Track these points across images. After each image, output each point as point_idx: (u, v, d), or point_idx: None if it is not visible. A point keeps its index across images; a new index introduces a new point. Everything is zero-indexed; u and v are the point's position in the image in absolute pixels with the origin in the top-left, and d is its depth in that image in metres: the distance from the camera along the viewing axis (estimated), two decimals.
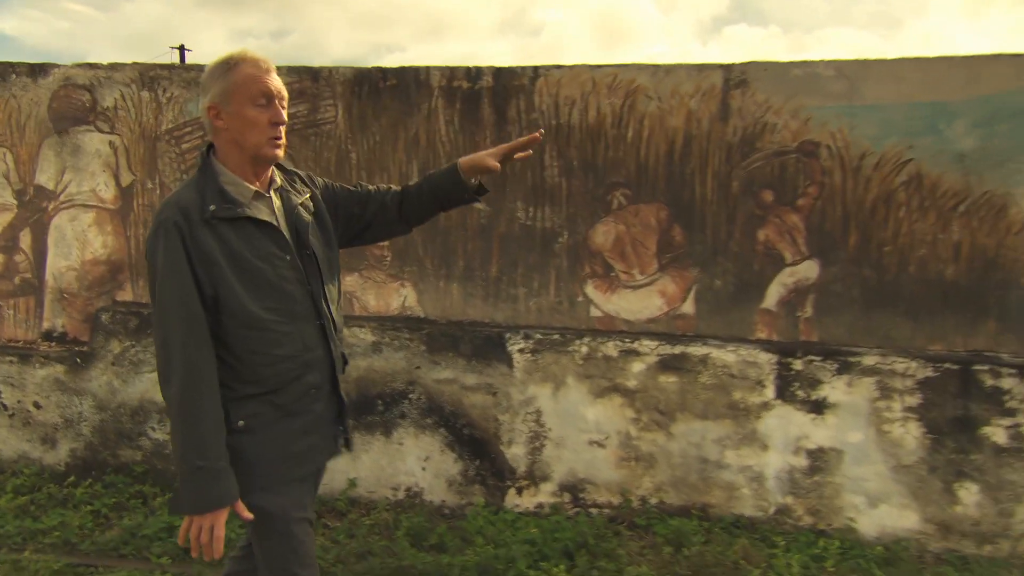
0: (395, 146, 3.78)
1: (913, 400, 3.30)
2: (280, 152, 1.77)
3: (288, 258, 1.76)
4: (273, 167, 1.82)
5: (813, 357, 3.39)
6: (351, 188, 2.04)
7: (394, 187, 2.08)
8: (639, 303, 3.70)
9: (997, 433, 3.22)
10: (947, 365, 3.28)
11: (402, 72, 3.73)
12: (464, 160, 1.98)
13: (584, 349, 3.56)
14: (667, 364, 3.51)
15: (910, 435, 3.30)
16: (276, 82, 1.74)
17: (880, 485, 3.33)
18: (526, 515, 3.51)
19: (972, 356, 3.34)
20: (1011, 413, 3.20)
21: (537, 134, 1.98)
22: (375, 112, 3.79)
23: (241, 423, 1.70)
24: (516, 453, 3.61)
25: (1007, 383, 3.21)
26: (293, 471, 1.77)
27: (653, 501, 3.52)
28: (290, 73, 3.77)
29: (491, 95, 3.70)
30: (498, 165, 1.97)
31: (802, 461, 3.40)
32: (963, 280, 3.42)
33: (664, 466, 3.52)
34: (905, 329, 3.49)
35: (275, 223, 1.76)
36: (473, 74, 3.69)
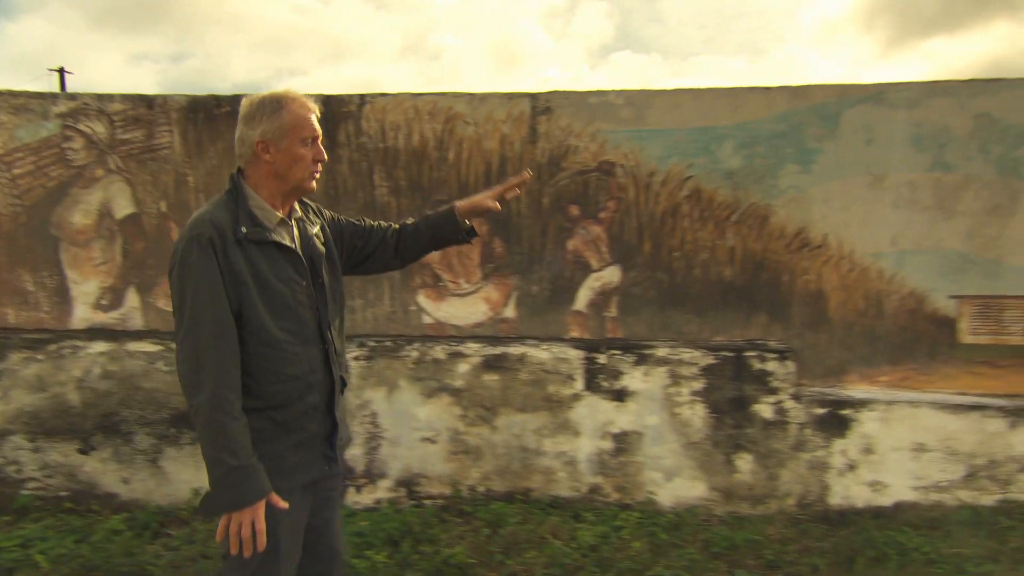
0: (232, 170, 3.97)
1: (698, 385, 3.80)
2: (315, 185, 1.90)
3: (304, 284, 1.87)
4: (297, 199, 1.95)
5: (615, 351, 3.84)
6: (355, 222, 2.18)
7: (393, 224, 2.23)
8: (466, 309, 4.05)
9: (765, 409, 3.76)
10: (724, 353, 3.80)
11: (235, 99, 3.93)
12: (462, 204, 2.18)
13: (415, 353, 3.87)
14: (490, 364, 3.86)
15: (696, 416, 3.80)
16: (317, 122, 1.88)
17: (674, 461, 3.81)
18: (366, 511, 3.77)
19: (745, 344, 3.89)
20: (775, 391, 3.75)
21: (526, 174, 2.24)
22: (211, 137, 3.97)
23: None
24: (355, 454, 3.86)
25: (771, 366, 3.76)
26: (281, 483, 1.80)
27: (481, 489, 3.86)
28: (125, 100, 3.89)
29: (322, 121, 3.95)
30: (499, 206, 2.20)
31: (609, 444, 3.84)
32: (738, 280, 3.98)
33: (489, 457, 3.87)
34: (694, 324, 4.02)
35: (296, 249, 1.88)
36: None
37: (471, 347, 3.88)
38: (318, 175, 1.90)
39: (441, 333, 4.04)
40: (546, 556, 3.21)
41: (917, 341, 3.92)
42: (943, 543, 3.34)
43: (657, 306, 4.00)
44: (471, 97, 3.92)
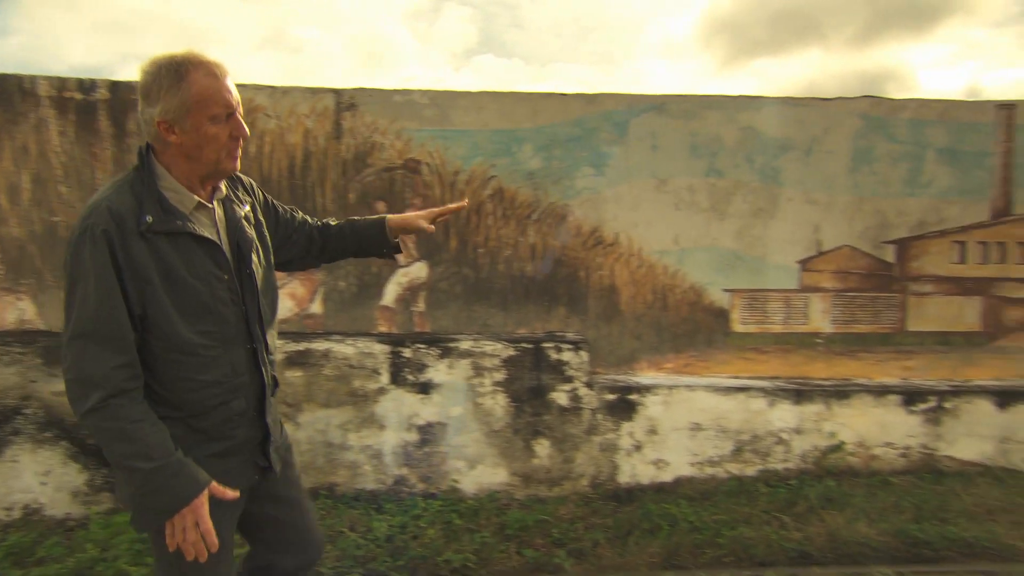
0: (1, 155, 3.65)
1: (500, 376, 3.97)
2: (238, 164, 1.64)
3: (227, 278, 1.63)
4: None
5: (420, 345, 3.92)
6: (289, 210, 1.98)
7: (314, 221, 2.05)
8: None
9: (561, 397, 3.99)
10: (524, 345, 4.00)
11: (3, 80, 3.62)
12: (394, 219, 2.03)
13: None
14: (293, 360, 3.82)
15: (498, 405, 3.97)
16: (234, 90, 1.58)
17: (477, 449, 3.96)
18: None
19: (544, 336, 4.11)
20: (570, 380, 4.00)
21: (465, 202, 2.16)
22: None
23: None
24: None
25: (567, 356, 4.00)
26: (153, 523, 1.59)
27: None
28: None
29: (108, 108, 3.74)
30: (432, 227, 2.05)
31: (414, 436, 3.92)
32: (539, 275, 4.20)
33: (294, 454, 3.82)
34: (498, 317, 4.19)
35: (217, 240, 1.62)
36: (87, 86, 3.71)
37: None
38: (239, 152, 1.62)
39: None
40: (339, 549, 3.23)
41: (697, 330, 4.33)
42: (708, 512, 3.71)
43: (463, 301, 4.13)
44: (272, 90, 3.86)
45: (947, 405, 4.22)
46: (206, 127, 1.52)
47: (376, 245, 2.05)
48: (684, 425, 4.08)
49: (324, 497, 3.79)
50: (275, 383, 1.81)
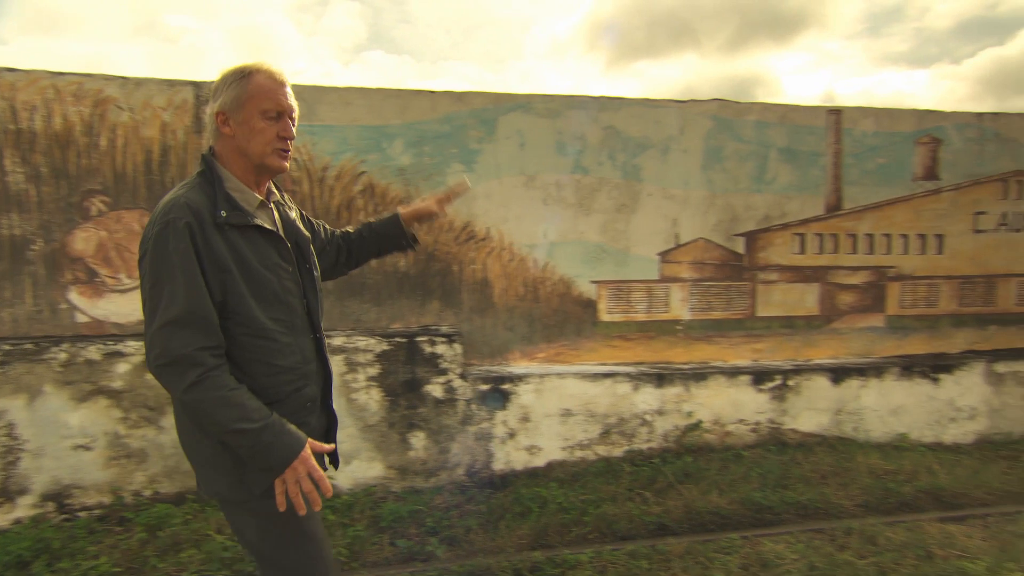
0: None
1: (374, 371, 3.99)
2: (287, 164, 1.73)
3: (291, 270, 1.74)
4: (271, 181, 1.80)
5: None
6: (319, 223, 2.09)
7: (339, 231, 2.16)
8: (129, 306, 3.80)
9: (436, 389, 4.07)
10: (398, 339, 4.04)
11: None
12: (406, 212, 2.15)
13: (63, 355, 3.55)
14: None
15: (373, 400, 3.99)
16: (289, 96, 1.70)
17: (352, 445, 3.96)
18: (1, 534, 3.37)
19: (418, 330, 4.17)
20: (444, 372, 4.08)
21: (466, 181, 2.25)
22: None
23: None
24: None
25: (441, 349, 4.08)
26: (269, 484, 1.63)
27: (147, 493, 3.67)
28: None
29: None
30: (444, 211, 2.19)
31: None
32: (413, 271, 4.25)
33: (156, 459, 3.69)
34: (373, 313, 4.21)
35: (280, 233, 1.73)
36: None
37: (132, 345, 3.66)
38: (288, 152, 1.72)
39: (99, 332, 3.75)
40: (204, 553, 3.16)
41: (567, 321, 4.52)
42: (577, 492, 3.90)
43: (336, 296, 4.12)
44: (124, 81, 3.69)
45: (790, 383, 4.63)
46: (256, 120, 1.64)
47: (395, 240, 2.18)
48: (555, 411, 4.26)
49: (192, 501, 3.68)
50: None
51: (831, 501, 3.85)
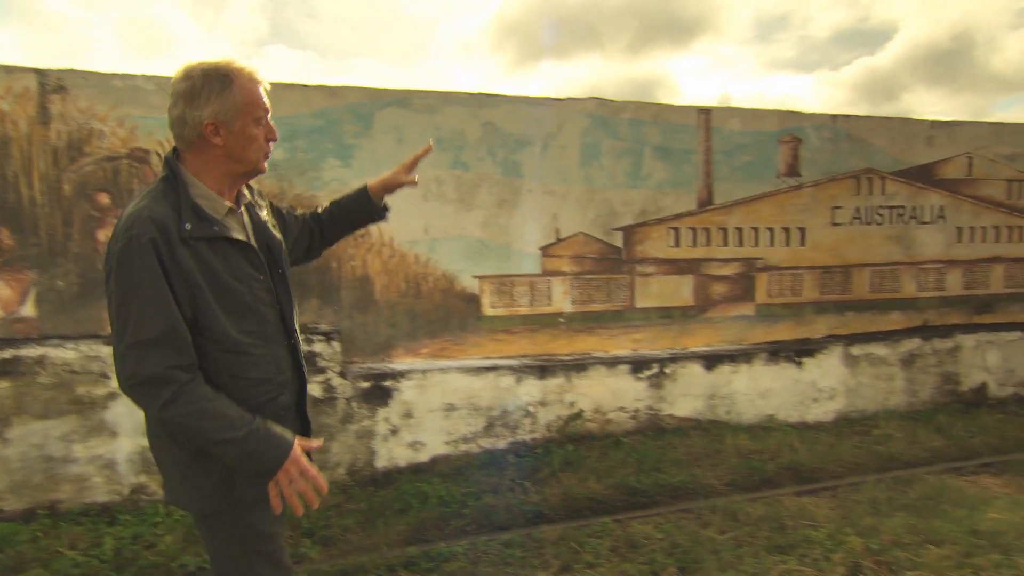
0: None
1: None
2: (266, 166, 1.71)
3: (262, 279, 1.68)
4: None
5: None
6: (287, 209, 2.00)
7: (307, 213, 2.09)
8: None
9: (314, 388, 3.98)
10: None
11: None
12: (373, 183, 2.12)
13: None
14: None
15: None
16: (266, 95, 1.67)
17: None
18: None
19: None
20: (323, 371, 4.00)
21: (430, 143, 2.22)
22: None
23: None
24: None
25: (319, 347, 4.00)
26: (240, 492, 1.62)
27: None
28: None
29: None
30: (415, 179, 2.17)
31: None
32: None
33: (1, 474, 3.43)
34: None
35: (250, 242, 1.67)
36: None
37: None
38: (270, 154, 1.71)
39: None
40: (52, 572, 2.96)
41: (450, 316, 4.53)
42: (459, 486, 3.93)
43: None
44: None
45: (667, 371, 4.83)
46: (250, 128, 1.61)
47: (367, 213, 2.15)
48: (439, 406, 4.26)
49: (44, 517, 3.45)
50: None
51: (701, 482, 4.05)
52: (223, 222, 1.62)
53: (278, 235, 1.81)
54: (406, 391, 4.18)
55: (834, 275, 5.61)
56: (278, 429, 1.60)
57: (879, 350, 5.48)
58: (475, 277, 4.58)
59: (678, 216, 5.09)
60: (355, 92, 4.17)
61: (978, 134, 5.92)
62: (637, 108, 4.89)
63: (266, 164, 1.71)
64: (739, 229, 5.26)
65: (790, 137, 5.34)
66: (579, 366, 4.64)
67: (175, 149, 1.66)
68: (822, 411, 5.28)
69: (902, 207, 5.79)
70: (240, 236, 1.66)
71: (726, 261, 5.26)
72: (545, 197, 4.70)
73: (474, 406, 4.36)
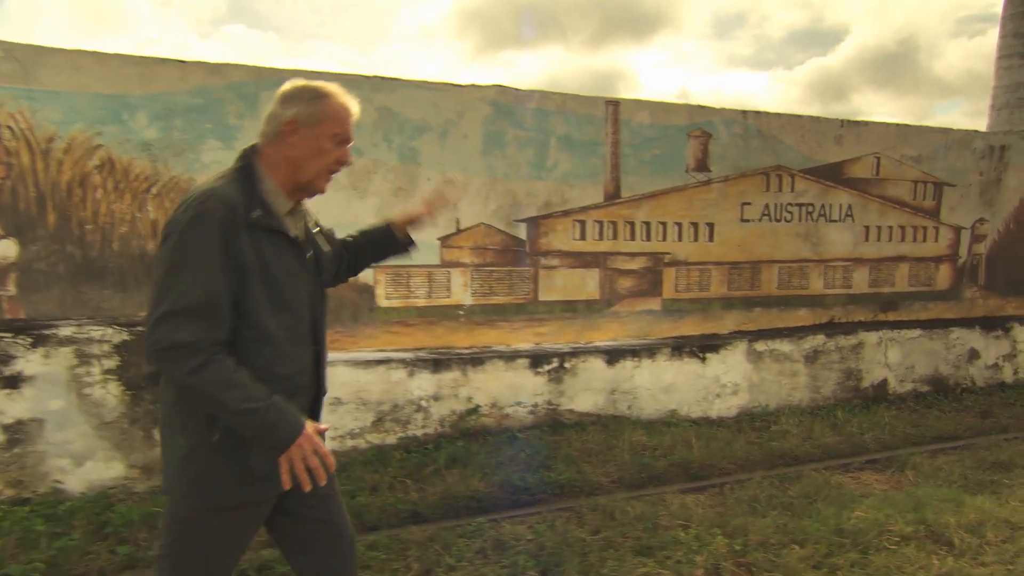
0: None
1: (112, 363, 3.65)
2: (327, 189, 1.80)
3: (308, 280, 1.78)
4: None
5: (3, 334, 3.46)
6: (331, 232, 2.04)
7: (342, 237, 2.13)
8: None
9: None
10: (140, 328, 3.72)
11: None
12: (398, 220, 2.15)
13: None
14: None
15: (111, 395, 3.65)
16: (354, 127, 1.76)
17: (85, 444, 3.61)
18: None
19: None
20: None
21: (454, 183, 2.24)
22: None
23: (216, 438, 1.63)
24: None
25: None
26: (254, 494, 1.71)
27: None
28: None
29: None
30: (430, 212, 2.17)
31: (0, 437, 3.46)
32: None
33: None
34: (116, 300, 3.85)
35: (303, 244, 1.78)
36: None
37: None
38: (332, 179, 1.78)
39: None
40: None
41: (342, 307, 4.37)
42: (339, 483, 3.79)
43: (69, 283, 3.72)
44: None
45: (567, 365, 4.77)
46: (324, 141, 1.70)
47: (390, 248, 2.19)
48: (324, 401, 4.10)
49: None
50: (324, 390, 1.94)
51: (590, 479, 4.00)
52: (283, 219, 1.72)
53: (326, 248, 1.92)
54: None
55: (742, 271, 5.63)
56: (293, 408, 1.65)
57: (783, 346, 5.53)
58: (369, 266, 4.42)
59: (584, 208, 5.02)
60: (237, 70, 3.96)
61: (885, 134, 6.01)
62: (542, 98, 4.79)
63: (327, 186, 1.78)
64: (647, 223, 5.23)
65: (700, 132, 5.32)
66: (476, 360, 4.54)
67: (254, 145, 1.76)
68: (725, 406, 5.31)
69: (811, 205, 5.84)
70: (296, 235, 1.76)
71: (633, 255, 5.22)
72: (445, 186, 4.56)
73: (362, 400, 4.22)
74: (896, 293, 6.31)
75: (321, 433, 1.75)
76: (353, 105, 1.76)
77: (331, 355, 4.23)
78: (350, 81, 4.16)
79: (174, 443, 1.68)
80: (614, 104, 5.00)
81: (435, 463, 4.05)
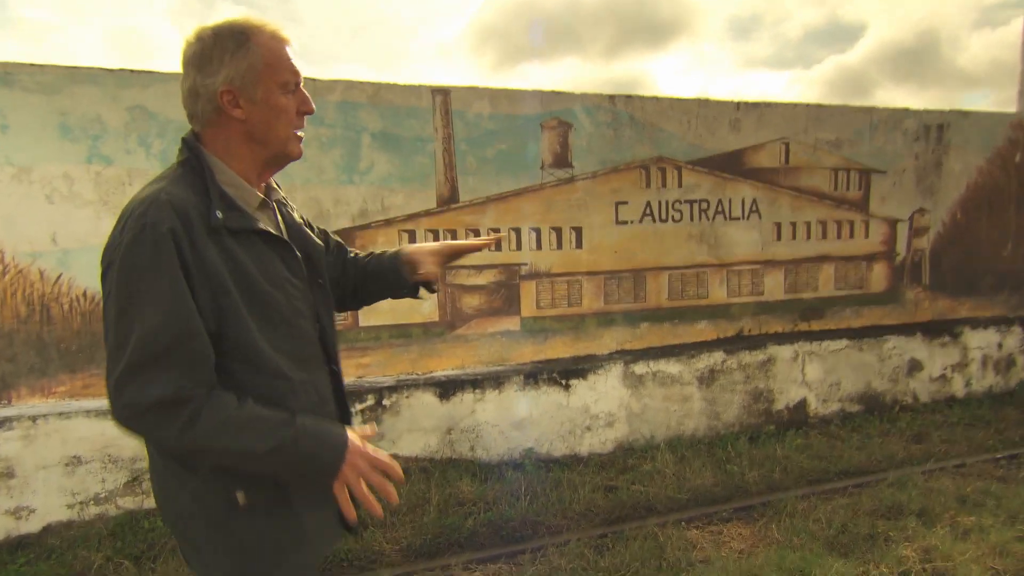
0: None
1: None
2: (302, 151, 1.38)
3: (301, 286, 1.37)
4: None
5: None
6: (323, 231, 1.61)
7: (344, 246, 1.69)
8: None
9: None
10: None
11: None
12: (407, 252, 1.65)
13: None
14: None
15: None
16: (295, 57, 1.34)
17: None
18: None
19: None
20: None
21: (502, 234, 1.68)
22: None
23: (240, 497, 1.24)
24: None
25: None
26: (301, 557, 1.31)
27: None
28: None
29: None
30: (437, 272, 1.63)
31: None
32: None
33: None
34: None
35: (288, 241, 1.36)
36: None
37: None
38: (302, 136, 1.36)
39: None
40: None
41: (96, 345, 3.68)
42: (52, 565, 3.09)
43: None
44: None
45: (387, 402, 4.03)
46: (276, 96, 1.29)
47: (393, 286, 1.66)
48: (57, 461, 3.42)
49: None
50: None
51: (371, 548, 3.25)
52: (255, 215, 1.32)
53: (318, 241, 1.49)
54: (4, 445, 3.33)
55: (622, 281, 4.85)
56: (325, 421, 1.29)
57: (670, 367, 4.73)
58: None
59: (412, 216, 4.28)
60: None
61: (792, 116, 5.20)
62: (347, 88, 4.07)
63: (300, 147, 1.37)
64: (495, 230, 4.47)
65: (556, 121, 4.57)
66: None
67: (193, 131, 1.33)
68: (598, 441, 4.52)
69: (705, 201, 5.04)
70: (276, 232, 1.35)
71: (480, 268, 4.47)
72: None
73: (112, 457, 3.52)
74: (820, 299, 5.47)
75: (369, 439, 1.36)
76: (281, 30, 1.32)
77: (71, 404, 3.56)
78: (90, 76, 3.51)
79: (195, 518, 1.28)
80: (443, 93, 4.27)
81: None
